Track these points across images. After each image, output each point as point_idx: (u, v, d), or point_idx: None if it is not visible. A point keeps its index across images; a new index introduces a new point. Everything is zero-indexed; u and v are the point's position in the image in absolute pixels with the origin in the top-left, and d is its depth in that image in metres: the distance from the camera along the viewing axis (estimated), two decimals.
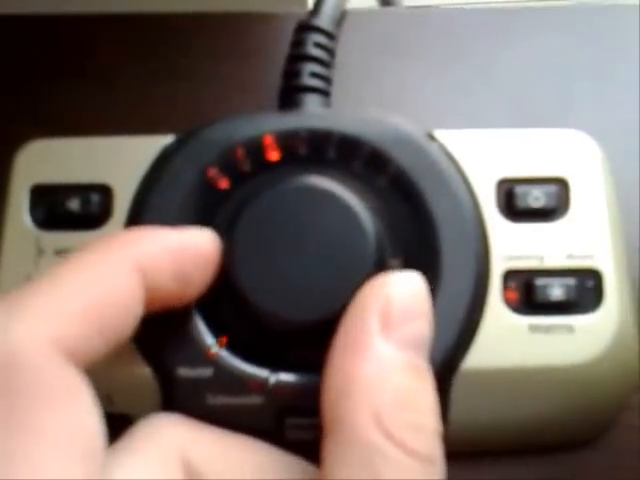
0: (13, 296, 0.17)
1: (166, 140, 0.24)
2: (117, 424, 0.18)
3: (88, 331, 0.17)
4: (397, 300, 0.18)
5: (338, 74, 0.27)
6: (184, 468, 0.18)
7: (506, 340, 0.22)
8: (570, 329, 0.22)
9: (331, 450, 0.17)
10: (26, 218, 0.23)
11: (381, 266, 0.21)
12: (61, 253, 0.23)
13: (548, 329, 0.22)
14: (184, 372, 0.21)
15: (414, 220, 0.22)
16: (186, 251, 0.20)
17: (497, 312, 0.22)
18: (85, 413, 0.16)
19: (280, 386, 0.21)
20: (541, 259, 0.22)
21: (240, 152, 0.23)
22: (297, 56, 0.26)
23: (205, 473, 0.18)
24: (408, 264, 0.22)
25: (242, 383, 0.21)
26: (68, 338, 0.16)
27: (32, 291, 0.17)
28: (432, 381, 0.18)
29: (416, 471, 0.16)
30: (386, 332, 0.17)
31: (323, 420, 0.17)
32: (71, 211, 0.23)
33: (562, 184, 0.23)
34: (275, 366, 0.21)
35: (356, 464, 0.16)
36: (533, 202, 0.23)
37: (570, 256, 0.22)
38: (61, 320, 0.16)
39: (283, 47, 0.27)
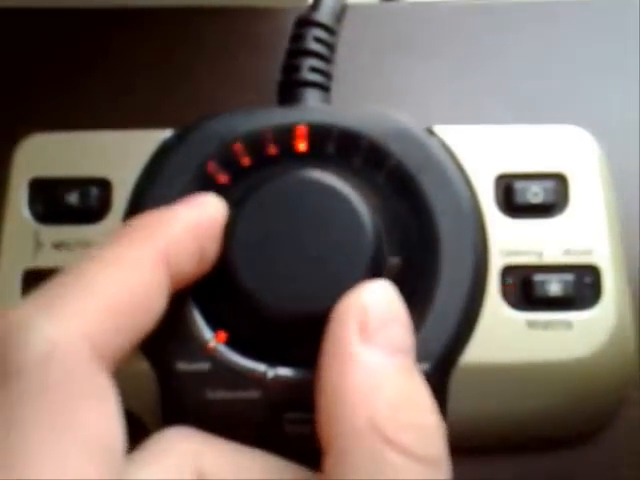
0: (41, 295, 0.17)
1: (165, 134, 0.24)
2: None
3: (116, 330, 0.17)
4: (372, 308, 0.18)
5: (338, 69, 0.27)
6: (197, 476, 0.18)
7: (504, 335, 0.22)
8: (568, 325, 0.22)
9: (333, 464, 0.16)
10: (25, 212, 0.23)
11: (379, 260, 0.21)
12: (60, 247, 0.23)
13: (546, 325, 0.22)
14: (183, 366, 0.21)
15: (413, 215, 0.22)
16: (203, 225, 0.20)
17: (495, 307, 0.22)
18: (111, 417, 0.16)
19: (278, 381, 0.21)
20: (539, 255, 0.22)
21: (239, 146, 0.23)
22: (297, 51, 0.26)
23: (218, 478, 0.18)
24: (407, 258, 0.22)
25: (240, 378, 0.21)
26: (99, 339, 0.16)
27: (61, 290, 0.17)
28: (424, 382, 0.18)
29: (419, 473, 0.16)
30: (366, 339, 0.17)
31: (321, 438, 0.17)
32: (70, 205, 0.23)
33: (561, 180, 0.23)
34: (273, 361, 0.21)
35: (358, 473, 0.16)
36: (532, 198, 0.23)
37: (568, 252, 0.22)
38: (91, 320, 0.16)
39: (283, 42, 0.27)
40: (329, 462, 0.17)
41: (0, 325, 0.16)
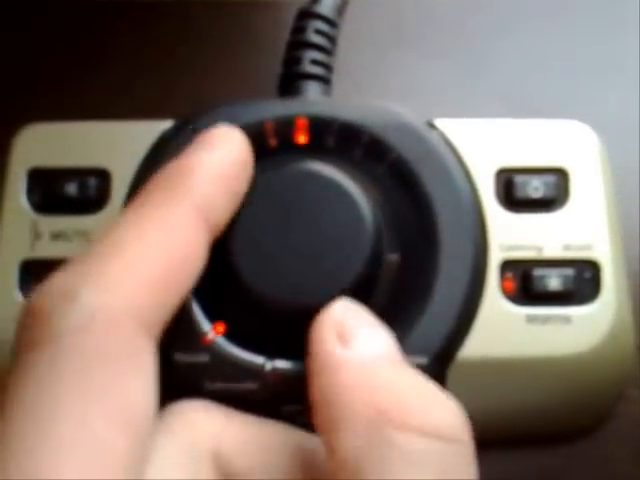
0: (78, 262, 0.16)
1: (165, 125, 0.23)
2: None
3: (158, 298, 0.17)
4: (344, 318, 0.19)
5: (339, 63, 0.27)
6: (214, 459, 0.18)
7: (503, 330, 0.22)
8: (567, 320, 0.22)
9: (340, 459, 0.16)
10: (23, 202, 0.23)
11: (379, 253, 0.21)
12: (58, 237, 0.23)
13: (545, 319, 0.22)
14: (181, 358, 0.21)
15: (413, 208, 0.22)
16: (231, 169, 0.20)
17: (494, 302, 0.22)
18: (147, 390, 0.16)
19: (276, 373, 0.21)
20: (539, 249, 0.22)
21: None
22: (298, 43, 0.26)
23: (235, 457, 0.18)
24: (406, 252, 0.22)
25: (238, 370, 0.21)
26: (143, 311, 0.16)
27: (100, 257, 0.16)
28: (417, 370, 0.18)
29: (432, 451, 0.16)
30: (348, 345, 0.18)
31: (321, 436, 0.17)
32: (69, 195, 0.23)
33: (561, 175, 0.23)
34: (271, 353, 0.21)
35: (363, 454, 0.16)
36: (532, 192, 0.23)
37: (568, 247, 0.22)
38: (132, 289, 0.16)
39: (284, 35, 0.27)
40: (335, 459, 0.16)
41: (44, 292, 0.16)
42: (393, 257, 0.22)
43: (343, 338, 0.18)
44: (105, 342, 0.15)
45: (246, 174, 0.20)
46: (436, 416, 0.16)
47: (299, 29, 0.27)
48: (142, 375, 0.16)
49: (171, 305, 0.17)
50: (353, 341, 0.18)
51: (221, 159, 0.19)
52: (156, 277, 0.17)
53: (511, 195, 0.23)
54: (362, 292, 0.21)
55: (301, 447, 0.19)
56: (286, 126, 0.23)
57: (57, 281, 0.16)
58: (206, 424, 0.18)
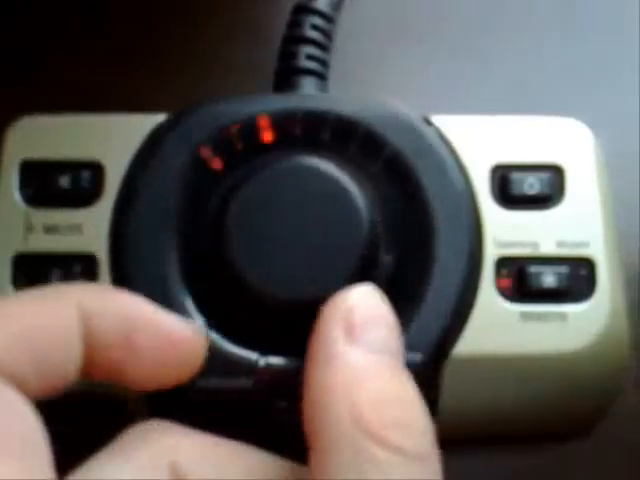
0: None
1: (159, 118, 0.23)
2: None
3: (17, 352, 0.16)
4: (358, 309, 0.18)
5: (335, 59, 0.27)
6: (172, 472, 0.18)
7: (498, 327, 0.22)
8: (562, 317, 0.22)
9: (317, 461, 0.16)
10: (16, 194, 0.23)
11: (374, 248, 0.21)
12: (51, 230, 0.22)
13: (540, 317, 0.22)
14: None
15: (408, 203, 0.22)
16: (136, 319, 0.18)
17: (489, 299, 0.22)
18: (13, 413, 0.16)
19: (269, 369, 0.21)
20: (534, 246, 0.22)
21: (234, 132, 0.22)
22: (294, 38, 0.26)
23: (193, 475, 0.18)
24: (400, 248, 0.22)
25: (231, 365, 0.21)
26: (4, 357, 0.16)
27: None
28: (412, 381, 0.18)
29: (405, 469, 0.16)
30: (352, 340, 0.17)
31: (307, 435, 0.17)
32: (62, 188, 0.23)
33: (557, 172, 0.23)
34: (265, 349, 0.21)
35: (343, 470, 0.16)
36: (528, 189, 0.23)
37: (563, 244, 0.22)
38: None
39: (281, 29, 0.27)
40: (314, 459, 0.16)
41: None
42: (388, 252, 0.22)
43: (351, 332, 0.18)
44: None
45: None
46: (407, 434, 0.16)
47: (295, 24, 0.26)
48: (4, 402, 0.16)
49: (33, 371, 0.17)
50: (359, 339, 0.18)
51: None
52: (18, 333, 0.16)
53: (506, 192, 0.23)
54: None
55: (263, 469, 0.18)
56: (281, 120, 0.23)
57: None
58: (164, 441, 0.18)
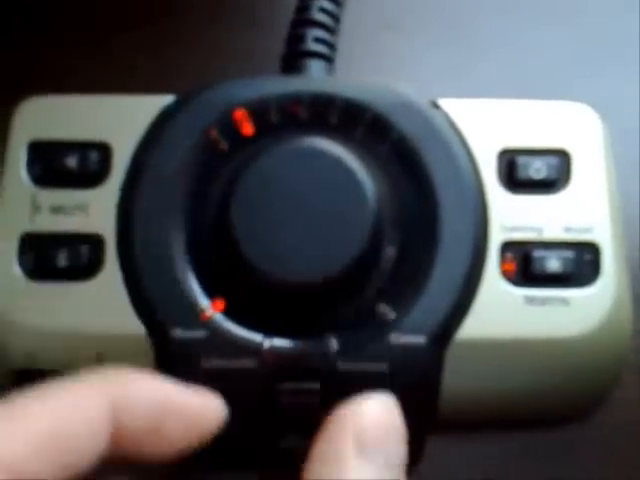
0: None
1: (167, 100, 0.23)
2: None
3: (39, 457, 0.16)
4: (372, 425, 0.18)
5: (342, 44, 0.27)
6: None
7: (501, 311, 0.22)
8: (566, 302, 0.22)
9: None
10: (23, 174, 0.23)
11: (379, 231, 0.21)
12: (57, 211, 0.22)
13: (544, 301, 0.22)
14: (178, 333, 0.21)
15: (414, 187, 0.22)
16: (166, 403, 0.18)
17: (493, 283, 0.22)
18: None
19: (274, 351, 0.21)
20: (540, 231, 0.22)
21: (241, 114, 0.22)
22: (302, 21, 0.26)
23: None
24: (406, 231, 0.22)
25: (236, 347, 0.21)
26: (14, 460, 0.16)
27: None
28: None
29: None
30: (363, 455, 0.17)
31: None
32: (69, 168, 0.23)
33: (564, 156, 0.23)
34: (269, 331, 0.21)
35: None
36: (534, 173, 0.23)
37: (569, 229, 0.22)
38: (10, 441, 0.16)
39: (288, 14, 0.27)
40: None
41: None
42: (394, 236, 0.22)
43: (363, 448, 0.18)
44: None
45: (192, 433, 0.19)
46: None
47: (303, 7, 0.26)
48: None
49: (54, 472, 0.16)
50: (370, 455, 0.18)
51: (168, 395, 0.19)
52: (41, 437, 0.16)
53: (513, 176, 0.23)
54: (362, 270, 0.21)
55: None
56: (288, 103, 0.23)
57: None
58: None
